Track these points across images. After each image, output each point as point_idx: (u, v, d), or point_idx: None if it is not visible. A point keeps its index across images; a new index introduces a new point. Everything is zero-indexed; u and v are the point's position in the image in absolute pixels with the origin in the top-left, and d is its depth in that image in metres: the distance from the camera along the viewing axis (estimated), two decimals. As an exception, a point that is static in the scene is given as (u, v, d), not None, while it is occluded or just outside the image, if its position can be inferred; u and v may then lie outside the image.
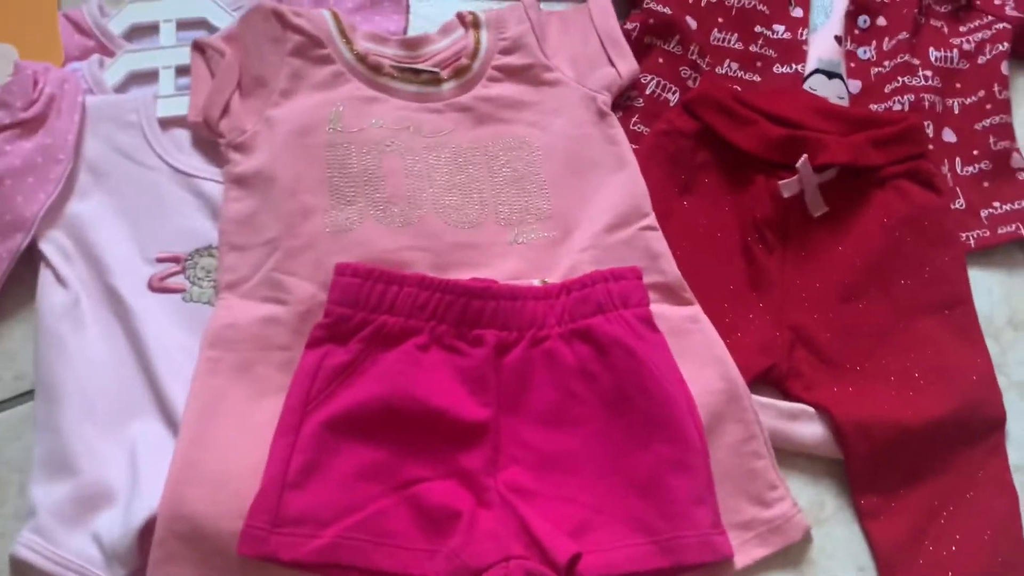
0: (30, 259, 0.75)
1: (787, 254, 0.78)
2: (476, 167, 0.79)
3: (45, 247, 0.75)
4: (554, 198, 0.78)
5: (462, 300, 0.70)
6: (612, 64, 0.82)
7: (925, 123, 0.83)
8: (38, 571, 0.65)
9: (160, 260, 0.76)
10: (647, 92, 0.83)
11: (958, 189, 0.83)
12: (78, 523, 0.66)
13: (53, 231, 0.75)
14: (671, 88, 0.84)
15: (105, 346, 0.72)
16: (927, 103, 0.84)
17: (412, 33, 0.89)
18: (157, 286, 0.75)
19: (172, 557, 0.63)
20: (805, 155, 0.76)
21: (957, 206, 0.82)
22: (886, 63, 0.86)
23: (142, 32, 0.86)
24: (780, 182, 0.77)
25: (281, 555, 0.63)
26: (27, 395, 0.74)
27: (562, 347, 0.71)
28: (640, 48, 0.84)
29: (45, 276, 0.74)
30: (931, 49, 0.87)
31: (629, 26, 0.84)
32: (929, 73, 0.85)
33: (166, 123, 0.80)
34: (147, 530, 0.64)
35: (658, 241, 0.76)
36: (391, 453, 0.67)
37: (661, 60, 0.84)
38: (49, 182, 0.75)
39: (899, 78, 0.84)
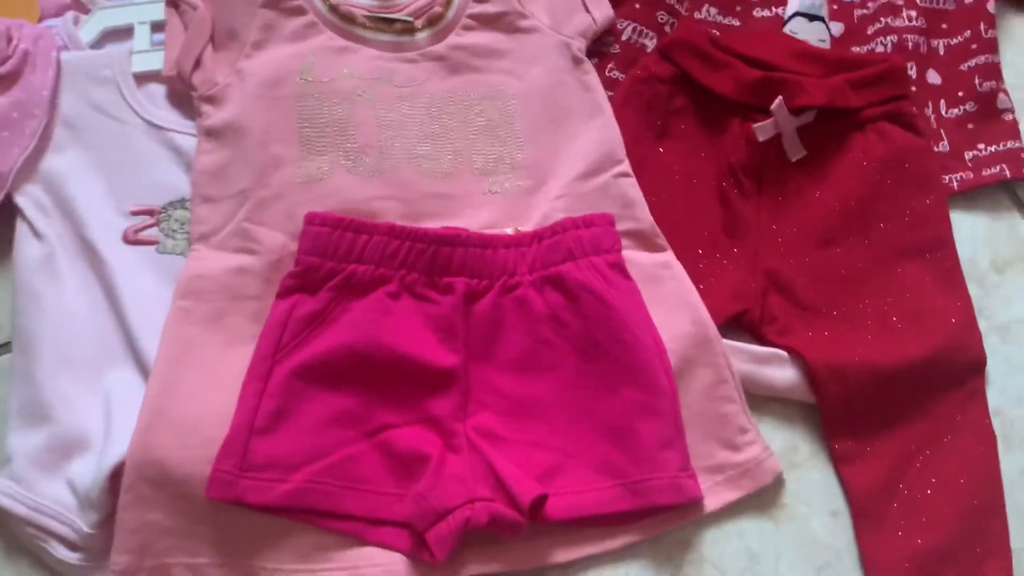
0: (7, 213, 0.76)
1: (763, 199, 0.77)
2: (450, 116, 0.78)
3: (21, 201, 0.75)
4: (529, 147, 0.78)
5: (432, 248, 0.70)
6: (587, 10, 0.81)
7: (908, 65, 0.81)
8: (14, 516, 0.66)
9: (134, 213, 0.76)
10: (623, 38, 0.82)
11: (942, 131, 0.81)
12: (53, 470, 0.67)
13: (29, 185, 0.76)
14: (648, 34, 0.83)
15: (81, 298, 0.73)
16: (911, 44, 0.82)
17: (387, -17, 0.88)
18: (132, 238, 0.75)
19: (141, 501, 0.64)
20: (780, 97, 0.75)
21: (940, 149, 0.81)
22: (869, 5, 0.84)
23: (118, -12, 0.86)
24: (755, 125, 0.76)
25: (248, 499, 0.64)
26: (4, 347, 0.75)
27: (533, 294, 0.71)
28: (616, -8, 0.83)
29: (22, 230, 0.75)
30: (916, -11, 0.85)
31: (604, -30, 0.83)
32: (914, 13, 0.83)
33: (141, 78, 0.80)
34: (118, 475, 0.65)
35: (632, 188, 0.76)
36: (361, 400, 0.68)
37: (638, 5, 0.83)
38: (24, 136, 0.76)
39: (882, 19, 0.83)
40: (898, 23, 0.82)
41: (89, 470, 0.66)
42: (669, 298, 0.72)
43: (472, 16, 0.82)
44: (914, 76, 0.81)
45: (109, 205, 0.76)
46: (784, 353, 0.72)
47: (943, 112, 0.82)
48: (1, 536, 0.68)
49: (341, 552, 0.65)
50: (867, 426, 0.71)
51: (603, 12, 0.81)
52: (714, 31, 0.83)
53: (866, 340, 0.72)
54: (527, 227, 0.74)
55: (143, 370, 0.71)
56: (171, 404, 0.67)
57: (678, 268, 0.74)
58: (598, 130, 0.77)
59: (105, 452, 0.66)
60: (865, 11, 0.84)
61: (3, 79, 0.77)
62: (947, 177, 0.80)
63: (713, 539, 0.69)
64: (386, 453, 0.67)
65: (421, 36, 0.81)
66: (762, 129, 0.75)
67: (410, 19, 0.81)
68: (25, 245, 0.74)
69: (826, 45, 0.83)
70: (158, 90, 0.81)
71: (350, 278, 0.69)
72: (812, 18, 0.84)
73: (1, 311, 0.76)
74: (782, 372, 0.72)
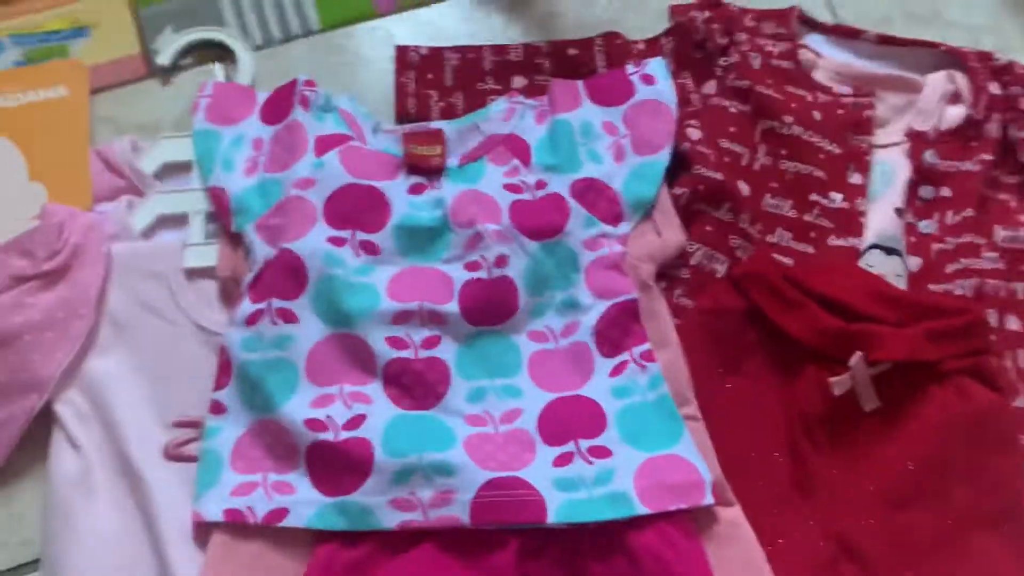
0: (45, 416, 0.73)
1: (835, 452, 0.73)
2: None
3: (60, 409, 0.72)
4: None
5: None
6: (658, 233, 0.79)
7: (989, 311, 0.78)
8: None
9: (177, 425, 0.73)
10: (692, 263, 0.79)
11: (1021, 384, 0.78)
12: None
13: (69, 391, 0.73)
14: (719, 258, 0.80)
15: (115, 518, 0.70)
16: (990, 289, 0.79)
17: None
18: (172, 453, 0.72)
19: None
20: (859, 353, 0.72)
21: (1020, 403, 0.77)
22: (948, 240, 0.81)
23: (176, 170, 0.82)
24: (831, 379, 0.72)
25: None
26: (32, 564, 0.71)
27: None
28: (688, 215, 0.80)
29: (58, 438, 0.72)
30: (997, 227, 0.82)
31: (677, 191, 0.80)
32: (995, 255, 0.80)
33: (194, 273, 0.77)
34: None
35: (700, 434, 0.72)
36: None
37: (709, 228, 0.80)
38: (68, 339, 0.73)
39: (962, 259, 0.80)
40: (978, 265, 0.79)
41: None
42: (734, 563, 0.68)
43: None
44: (994, 323, 0.78)
45: (151, 415, 0.73)
46: (854, 636, 0.68)
47: (1022, 363, 0.79)
48: None
49: None
50: None
51: (676, 237, 0.78)
52: (787, 258, 0.80)
53: (942, 621, 0.68)
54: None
55: (177, 607, 0.67)
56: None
57: (746, 528, 0.70)
58: (665, 366, 0.74)
59: None
60: (944, 247, 0.81)
61: (51, 275, 0.74)
62: (1026, 436, 0.76)
63: None
64: None
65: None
66: (839, 384, 0.72)
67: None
68: (61, 458, 0.71)
69: (902, 280, 0.80)
70: (211, 287, 0.78)
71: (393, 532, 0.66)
72: (889, 251, 0.81)
73: (32, 522, 0.72)
74: (851, 658, 0.68)
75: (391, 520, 0.66)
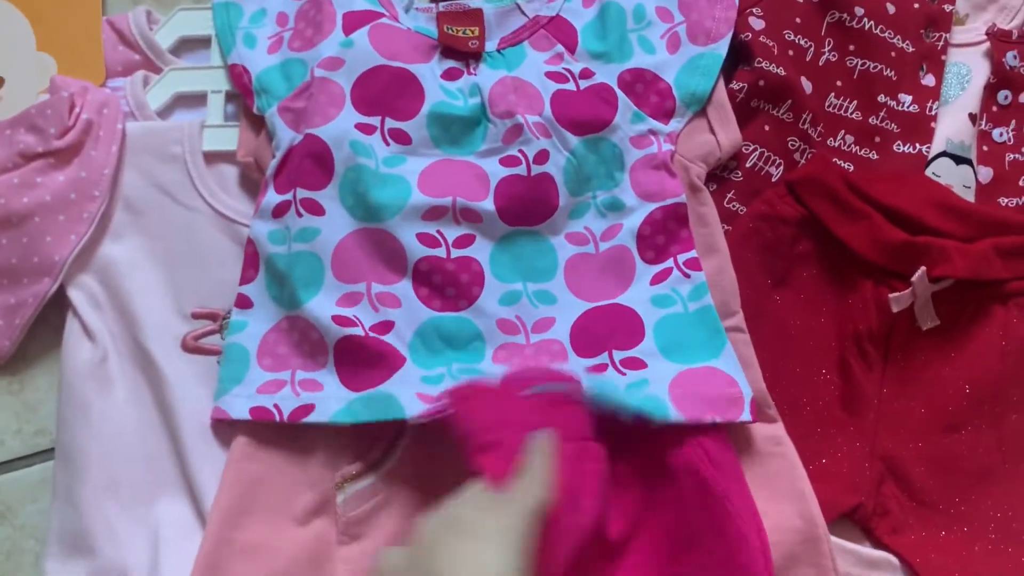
0: (59, 302, 0.69)
1: (887, 371, 0.70)
2: None
3: (73, 294, 0.69)
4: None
5: None
6: (712, 132, 0.73)
7: (1062, 228, 0.73)
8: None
9: (196, 316, 0.69)
10: (747, 164, 0.74)
11: (1090, 308, 0.73)
12: (93, 607, 0.62)
13: (83, 275, 0.69)
14: (775, 160, 0.74)
15: (132, 410, 0.67)
16: (1066, 204, 0.74)
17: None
18: (191, 346, 0.69)
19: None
20: (923, 268, 0.67)
21: (1087, 328, 0.73)
22: (1024, 150, 0.75)
23: (193, 45, 0.77)
24: (890, 295, 0.68)
25: None
26: (47, 452, 0.69)
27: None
28: (745, 112, 0.74)
29: (72, 327, 0.68)
30: (1077, 137, 0.76)
31: (735, 86, 0.74)
32: (1073, 166, 0.75)
33: (212, 157, 0.73)
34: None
35: (745, 346, 0.68)
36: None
37: (767, 127, 0.74)
38: (82, 222, 0.69)
39: (1037, 170, 0.74)
40: (1056, 177, 0.74)
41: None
42: (776, 481, 0.66)
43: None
44: (1067, 241, 0.73)
45: (168, 305, 0.69)
46: (895, 560, 0.66)
47: (1094, 286, 0.74)
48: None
49: None
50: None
51: (730, 136, 0.72)
52: (848, 164, 0.75)
53: (985, 551, 0.66)
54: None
55: (195, 501, 0.65)
56: (230, 562, 0.61)
57: (788, 445, 0.67)
58: (711, 275, 0.69)
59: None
60: (1019, 156, 0.75)
61: (62, 153, 0.69)
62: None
63: None
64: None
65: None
66: (898, 300, 0.68)
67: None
68: (75, 346, 0.68)
69: (971, 192, 0.74)
70: (230, 172, 0.73)
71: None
72: (959, 160, 0.75)
73: (47, 411, 0.70)
74: (891, 581, 0.66)
75: (414, 409, 0.63)
